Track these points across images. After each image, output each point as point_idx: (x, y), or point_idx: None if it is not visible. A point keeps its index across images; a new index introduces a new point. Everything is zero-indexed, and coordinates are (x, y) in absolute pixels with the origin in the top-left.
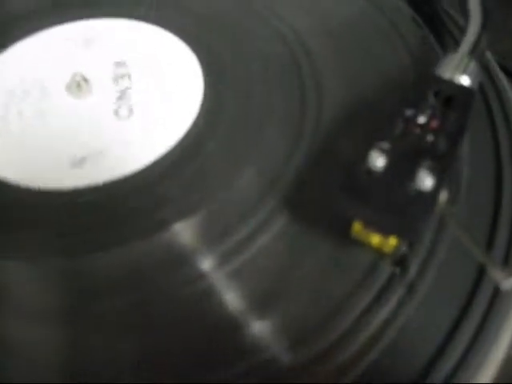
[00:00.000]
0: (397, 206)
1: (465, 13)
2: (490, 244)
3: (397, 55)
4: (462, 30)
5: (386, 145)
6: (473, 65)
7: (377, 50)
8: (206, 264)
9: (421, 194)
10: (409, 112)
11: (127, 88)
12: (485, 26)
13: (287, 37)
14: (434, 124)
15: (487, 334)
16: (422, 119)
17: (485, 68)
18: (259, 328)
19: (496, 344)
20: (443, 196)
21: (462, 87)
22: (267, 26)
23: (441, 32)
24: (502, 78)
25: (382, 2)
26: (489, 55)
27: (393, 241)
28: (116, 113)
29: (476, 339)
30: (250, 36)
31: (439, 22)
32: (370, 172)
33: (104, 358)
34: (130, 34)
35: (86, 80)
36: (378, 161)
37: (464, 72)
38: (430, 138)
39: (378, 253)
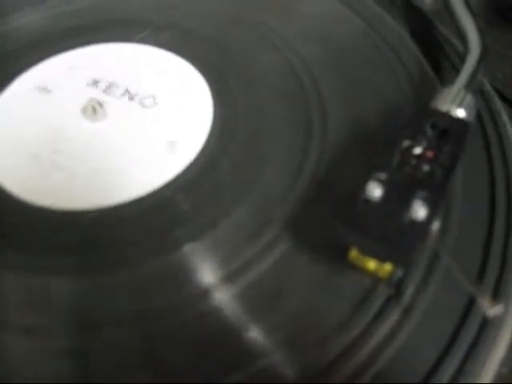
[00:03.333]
0: (391, 234)
1: (465, 44)
2: (481, 272)
3: (398, 84)
4: (463, 59)
5: (383, 175)
6: (469, 98)
7: (379, 79)
8: (213, 283)
9: (414, 224)
10: (406, 143)
11: (138, 111)
12: (483, 59)
13: (293, 63)
14: (430, 155)
15: (476, 357)
16: (418, 150)
17: (482, 95)
18: (261, 344)
19: (484, 367)
20: (435, 226)
21: (457, 120)
22: (273, 51)
23: (441, 60)
24: (499, 105)
25: (386, 33)
26: (487, 83)
27: (388, 266)
28: (127, 135)
29: (465, 363)
30: (255, 60)
31: (440, 51)
32: (367, 201)
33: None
34: (136, 57)
35: (100, 104)
36: (375, 191)
37: (460, 105)
38: (425, 169)
39: (374, 277)
